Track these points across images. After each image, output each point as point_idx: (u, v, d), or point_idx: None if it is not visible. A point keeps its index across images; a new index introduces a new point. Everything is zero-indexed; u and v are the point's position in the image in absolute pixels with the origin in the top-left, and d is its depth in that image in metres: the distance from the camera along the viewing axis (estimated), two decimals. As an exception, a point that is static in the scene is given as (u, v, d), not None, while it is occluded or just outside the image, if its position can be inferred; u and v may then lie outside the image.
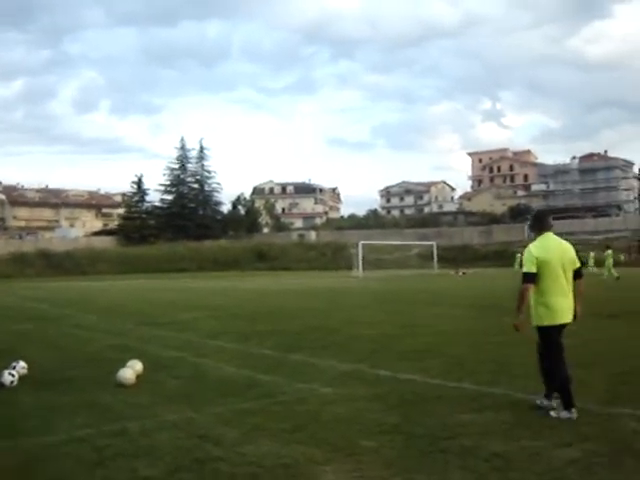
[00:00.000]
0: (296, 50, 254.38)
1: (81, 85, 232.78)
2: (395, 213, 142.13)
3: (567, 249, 7.37)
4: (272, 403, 7.87)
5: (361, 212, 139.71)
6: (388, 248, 65.94)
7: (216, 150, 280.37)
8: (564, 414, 6.94)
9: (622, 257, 70.82)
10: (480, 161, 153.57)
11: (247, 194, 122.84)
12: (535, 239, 7.41)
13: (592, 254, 53.50)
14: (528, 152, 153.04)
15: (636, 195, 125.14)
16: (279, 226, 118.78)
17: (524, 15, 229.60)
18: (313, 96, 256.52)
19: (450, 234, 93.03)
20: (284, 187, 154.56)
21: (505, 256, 69.28)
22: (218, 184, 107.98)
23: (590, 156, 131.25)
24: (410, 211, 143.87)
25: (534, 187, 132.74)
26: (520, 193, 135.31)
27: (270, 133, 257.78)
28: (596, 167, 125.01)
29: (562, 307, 7.16)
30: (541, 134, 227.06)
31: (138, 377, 9.26)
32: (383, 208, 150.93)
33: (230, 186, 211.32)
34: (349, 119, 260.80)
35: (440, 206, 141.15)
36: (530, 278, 7.09)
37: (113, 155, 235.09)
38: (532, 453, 5.77)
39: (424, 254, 68.14)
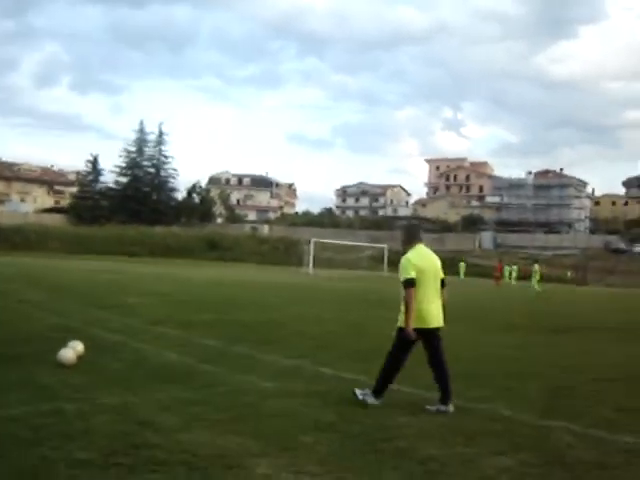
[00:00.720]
0: (263, 43, 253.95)
1: (43, 59, 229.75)
2: (350, 213, 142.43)
3: (437, 259, 7.97)
4: (212, 393, 7.86)
5: (316, 210, 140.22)
6: (340, 248, 66.15)
7: (175, 136, 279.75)
8: (370, 399, 7.56)
9: (569, 274, 72.14)
10: (437, 168, 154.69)
11: (203, 183, 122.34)
12: (407, 251, 7.83)
13: (515, 267, 54.51)
14: (485, 164, 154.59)
15: (587, 214, 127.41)
16: (233, 217, 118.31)
17: (492, 28, 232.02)
18: (276, 90, 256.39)
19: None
20: (240, 179, 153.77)
21: (456, 264, 70.05)
22: (174, 170, 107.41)
23: (545, 173, 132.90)
24: (365, 212, 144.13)
25: (488, 199, 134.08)
26: (474, 203, 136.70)
27: (230, 123, 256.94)
28: (550, 184, 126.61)
29: (432, 313, 7.67)
30: (499, 147, 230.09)
31: (79, 358, 9.18)
32: (338, 207, 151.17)
33: (186, 173, 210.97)
34: (310, 116, 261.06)
35: (395, 210, 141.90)
36: (412, 283, 7.51)
37: (70, 132, 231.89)
38: (466, 459, 5.83)
39: (376, 256, 68.45)
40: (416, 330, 7.50)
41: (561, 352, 13.54)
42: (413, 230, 8.19)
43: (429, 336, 7.70)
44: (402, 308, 7.62)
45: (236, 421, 6.68)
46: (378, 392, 7.63)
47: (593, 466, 5.85)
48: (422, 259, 7.70)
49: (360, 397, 7.56)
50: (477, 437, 6.54)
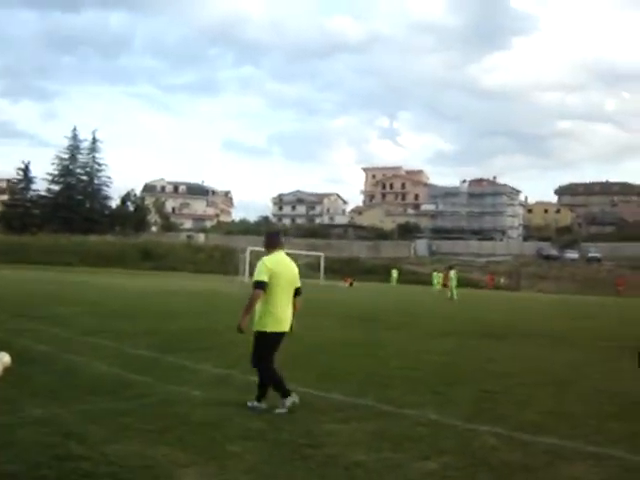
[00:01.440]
0: (200, 50, 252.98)
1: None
2: (286, 221, 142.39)
3: (294, 267, 8.27)
4: (142, 404, 7.81)
5: (253, 218, 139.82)
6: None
7: (109, 143, 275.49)
8: (288, 402, 7.72)
9: (502, 280, 73.43)
10: (374, 177, 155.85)
11: (138, 191, 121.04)
12: (268, 255, 8.08)
13: (436, 273, 55.30)
14: (420, 172, 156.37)
15: (520, 222, 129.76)
16: (168, 226, 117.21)
17: (427, 38, 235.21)
18: (213, 98, 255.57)
19: (339, 246, 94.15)
20: (176, 186, 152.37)
21: (390, 271, 70.81)
22: (108, 178, 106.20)
23: (480, 181, 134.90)
24: (301, 220, 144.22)
25: (424, 207, 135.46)
26: (410, 211, 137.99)
27: (166, 130, 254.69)
28: (484, 192, 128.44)
29: (285, 317, 7.98)
30: (434, 156, 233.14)
31: (5, 370, 8.99)
32: (275, 215, 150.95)
33: (121, 181, 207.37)
34: (247, 124, 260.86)
35: (331, 218, 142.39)
36: (262, 286, 7.79)
37: (1, 139, 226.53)
38: (392, 464, 5.91)
39: (312, 264, 68.51)
40: (274, 333, 7.83)
41: (493, 357, 13.77)
42: (273, 237, 8.40)
43: (279, 339, 7.97)
44: (257, 311, 7.89)
45: (165, 431, 6.65)
46: (284, 394, 7.77)
47: (517, 468, 6.01)
48: (278, 265, 7.95)
49: (282, 410, 7.67)
50: (404, 442, 6.63)
